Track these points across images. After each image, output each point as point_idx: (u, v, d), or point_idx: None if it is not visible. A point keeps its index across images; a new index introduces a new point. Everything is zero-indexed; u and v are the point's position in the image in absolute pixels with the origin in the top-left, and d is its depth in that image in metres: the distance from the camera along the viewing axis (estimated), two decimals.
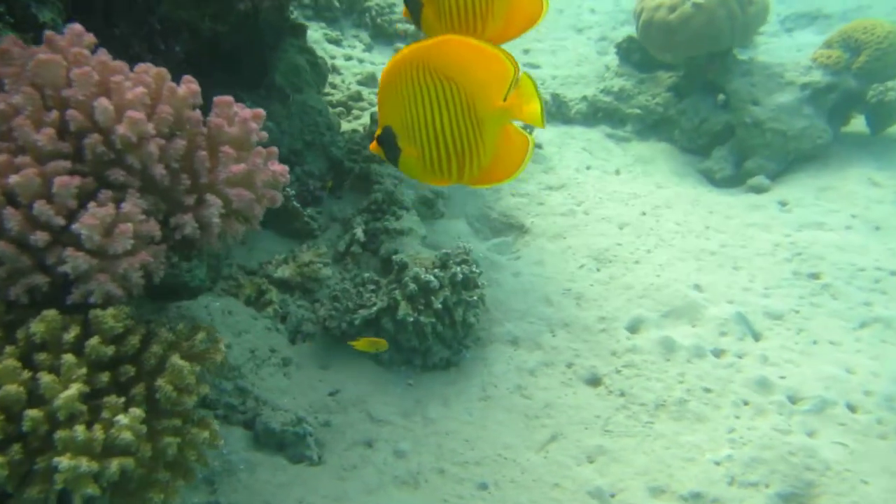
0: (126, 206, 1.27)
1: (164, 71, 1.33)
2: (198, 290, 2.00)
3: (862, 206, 3.13)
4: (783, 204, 3.20)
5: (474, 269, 2.20)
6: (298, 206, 2.55)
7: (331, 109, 3.58)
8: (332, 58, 4.30)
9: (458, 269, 2.15)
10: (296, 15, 4.12)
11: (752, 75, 3.62)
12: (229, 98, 1.43)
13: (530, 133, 1.41)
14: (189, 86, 1.34)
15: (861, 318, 2.44)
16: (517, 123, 1.32)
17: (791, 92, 3.54)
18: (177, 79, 1.40)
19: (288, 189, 2.52)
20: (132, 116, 1.23)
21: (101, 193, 1.27)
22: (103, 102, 1.22)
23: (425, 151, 1.32)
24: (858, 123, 3.71)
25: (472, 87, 1.26)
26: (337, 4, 4.37)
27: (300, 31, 3.06)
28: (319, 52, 4.27)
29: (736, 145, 3.61)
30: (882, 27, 3.50)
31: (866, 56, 3.49)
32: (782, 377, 2.13)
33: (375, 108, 3.69)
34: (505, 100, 1.27)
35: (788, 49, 5.11)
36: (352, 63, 4.28)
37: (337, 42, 4.48)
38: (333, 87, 3.90)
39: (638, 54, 4.21)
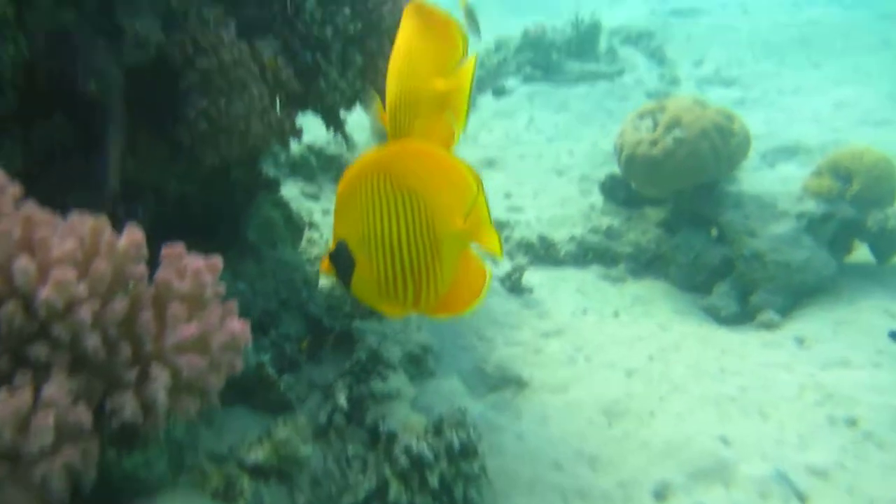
0: (48, 391, 1.06)
1: (101, 222, 1.17)
2: (156, 486, 1.75)
3: (885, 340, 2.97)
4: (800, 341, 3.03)
5: (472, 434, 1.95)
6: (273, 374, 2.33)
7: (308, 266, 3.46)
8: (310, 213, 4.26)
9: (455, 435, 1.91)
10: (273, 173, 4.12)
11: (744, 206, 3.59)
12: (179, 248, 1.27)
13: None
14: (131, 237, 1.18)
15: None
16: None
17: (787, 222, 3.49)
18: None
19: (262, 355, 2.31)
20: (59, 277, 1.05)
21: (18, 376, 1.07)
22: (23, 262, 1.04)
23: (381, 270, 1.21)
24: (863, 252, 3.64)
25: (432, 202, 1.18)
26: (314, 162, 4.40)
27: (274, 185, 2.99)
28: (296, 208, 4.24)
29: (737, 280, 3.49)
30: (870, 154, 3.52)
31: (859, 184, 3.49)
32: None
33: None
34: (465, 221, 1.19)
35: (773, 182, 5.15)
36: (330, 218, 4.23)
37: (314, 197, 4.46)
38: (311, 242, 3.81)
39: (623, 192, 4.21)
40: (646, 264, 3.96)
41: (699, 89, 6.83)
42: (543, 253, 4.02)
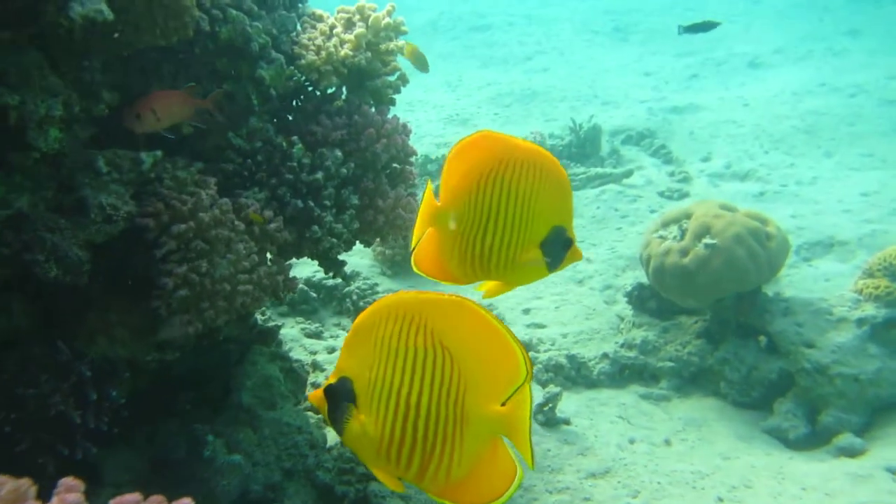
0: None
1: (24, 485, 0.92)
2: None
3: None
4: (892, 472, 2.70)
5: None
6: None
7: (313, 417, 3.19)
8: (314, 353, 4.03)
9: None
10: (268, 315, 3.94)
11: (795, 314, 3.34)
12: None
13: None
14: (63, 496, 0.93)
15: None
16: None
17: (847, 329, 3.22)
18: None
19: None
20: None
21: None
22: None
23: (385, 429, 1.06)
24: None
25: (469, 372, 1.04)
26: (314, 295, 4.22)
27: (270, 335, 2.79)
28: (298, 350, 4.02)
29: (801, 396, 3.19)
30: None
31: None
32: None
33: None
34: (503, 405, 1.05)
35: (815, 279, 4.91)
36: (335, 356, 4.00)
37: (317, 335, 4.25)
38: (316, 387, 3.57)
39: (653, 301, 3.98)
40: (690, 380, 3.67)
41: (713, 185, 6.73)
42: (575, 374, 3.74)
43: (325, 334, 4.33)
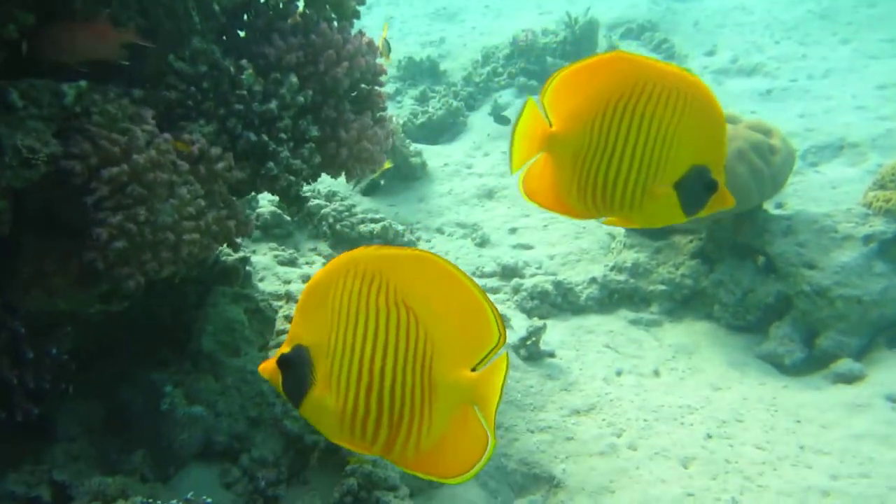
0: None
1: None
2: None
3: None
4: (893, 399, 2.68)
5: None
6: None
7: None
8: (287, 282, 3.95)
9: None
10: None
11: (797, 233, 3.25)
12: None
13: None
14: None
15: None
16: None
17: (853, 248, 3.15)
18: None
19: None
20: None
21: None
22: None
23: (349, 398, 1.00)
24: None
25: (437, 335, 0.98)
26: (288, 219, 4.10)
27: (234, 273, 2.69)
28: (271, 280, 3.94)
29: (799, 319, 3.15)
30: None
31: None
32: None
33: None
34: (474, 370, 0.98)
35: (822, 187, 4.82)
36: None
37: (292, 262, 4.16)
38: (289, 321, 3.50)
39: None
40: (683, 303, 3.62)
41: (717, 83, 6.51)
42: (561, 300, 3.69)
43: (300, 261, 4.24)
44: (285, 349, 1.04)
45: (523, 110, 1.20)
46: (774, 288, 3.26)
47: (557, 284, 3.70)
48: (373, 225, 4.71)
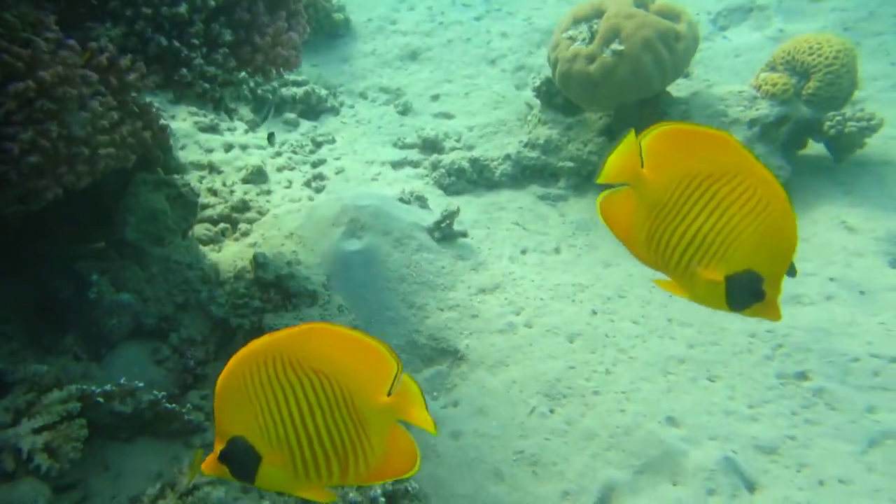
0: None
1: None
2: None
3: (840, 262, 2.96)
4: None
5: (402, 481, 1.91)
6: (173, 407, 2.21)
7: (212, 229, 3.25)
8: (209, 151, 3.96)
9: (381, 486, 1.86)
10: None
11: (692, 118, 3.43)
12: None
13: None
14: None
15: (867, 433, 2.24)
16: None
17: (738, 131, 3.37)
18: None
19: (155, 393, 2.19)
20: None
21: None
22: None
23: (296, 460, 1.15)
24: (817, 146, 3.57)
25: (348, 381, 1.13)
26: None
27: (153, 160, 2.72)
28: (192, 148, 3.93)
29: None
30: (829, 45, 3.36)
31: (816, 81, 3.35)
32: None
33: (265, 219, 3.38)
34: (389, 395, 1.14)
35: (727, 55, 4.99)
36: (233, 154, 3.94)
37: (213, 128, 4.14)
38: (213, 193, 3.56)
39: (560, 97, 3.98)
40: (588, 177, 3.83)
41: None
42: (477, 177, 3.85)
43: (222, 126, 4.22)
44: (221, 446, 1.15)
45: (625, 139, 1.26)
46: None
47: (473, 162, 3.84)
48: (295, 89, 4.66)
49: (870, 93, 4.15)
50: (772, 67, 3.55)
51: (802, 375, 2.48)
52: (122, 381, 2.16)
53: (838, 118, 3.30)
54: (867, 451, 2.19)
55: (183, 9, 2.05)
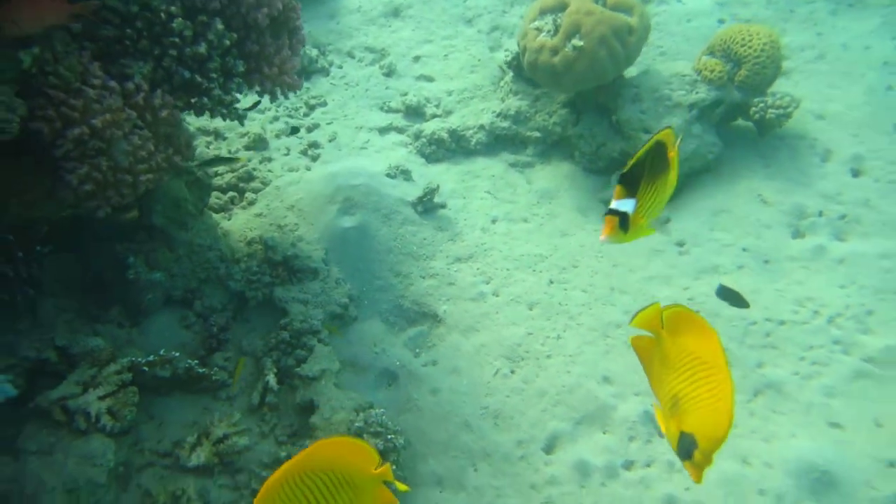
0: None
1: None
2: None
3: (753, 234, 3.30)
4: (681, 245, 3.33)
5: (391, 438, 2.28)
6: (202, 371, 2.55)
7: (222, 197, 3.49)
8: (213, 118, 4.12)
9: (374, 443, 2.23)
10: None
11: (642, 101, 3.67)
12: None
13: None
14: None
15: (754, 385, 2.65)
16: None
17: (680, 114, 3.62)
18: None
19: (189, 361, 2.52)
20: None
21: None
22: None
23: None
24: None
25: (345, 467, 1.54)
26: None
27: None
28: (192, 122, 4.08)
29: None
30: (758, 38, 3.57)
31: (746, 70, 3.58)
32: (686, 489, 2.33)
33: (268, 190, 3.62)
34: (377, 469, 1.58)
35: (679, 21, 5.13)
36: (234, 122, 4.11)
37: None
38: (218, 158, 3.76)
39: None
40: (553, 145, 4.09)
41: None
42: (455, 146, 4.09)
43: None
44: None
45: (652, 306, 1.56)
46: (619, 145, 3.75)
47: (452, 133, 4.06)
48: None
49: (797, 63, 4.35)
50: (711, 52, 3.76)
51: None
52: (161, 351, 2.49)
53: (761, 104, 3.57)
54: (752, 400, 2.61)
55: (203, 48, 2.24)
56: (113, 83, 2.08)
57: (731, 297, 2.76)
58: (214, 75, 2.28)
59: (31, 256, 2.34)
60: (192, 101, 2.32)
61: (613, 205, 1.55)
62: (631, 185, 1.56)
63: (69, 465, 2.14)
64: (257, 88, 2.50)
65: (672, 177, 1.65)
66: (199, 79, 2.26)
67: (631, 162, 1.57)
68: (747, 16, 4.92)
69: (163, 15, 2.18)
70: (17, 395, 2.18)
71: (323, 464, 1.50)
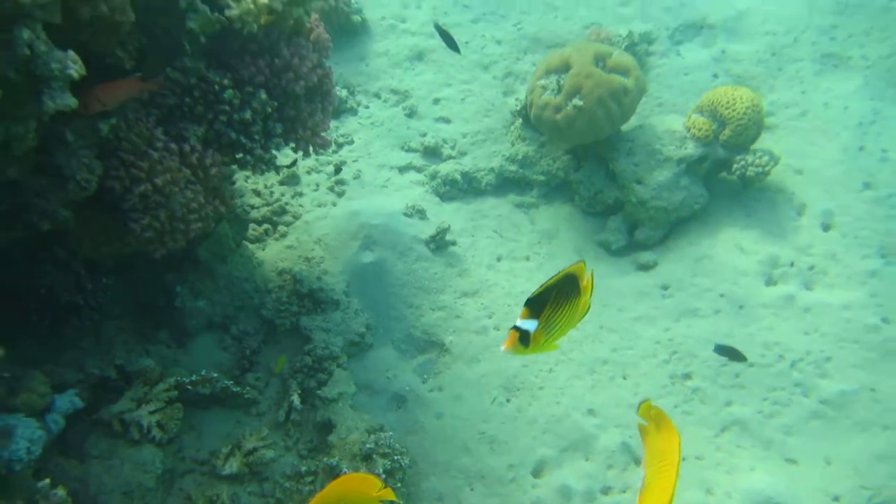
0: None
1: None
2: None
3: (730, 281, 3.51)
4: (665, 288, 3.55)
5: (397, 458, 2.52)
6: (237, 389, 2.80)
7: (257, 229, 3.76)
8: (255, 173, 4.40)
9: (382, 462, 2.47)
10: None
11: (635, 154, 3.90)
12: None
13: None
14: None
15: (722, 421, 2.86)
16: None
17: (669, 168, 3.84)
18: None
19: (226, 381, 2.77)
20: None
21: None
22: None
23: None
24: None
25: (355, 495, 1.89)
26: None
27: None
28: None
29: (626, 217, 3.93)
30: (741, 102, 3.79)
31: (730, 130, 3.81)
32: None
33: (298, 223, 3.88)
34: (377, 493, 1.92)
35: (677, 74, 5.34)
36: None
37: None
38: (257, 194, 4.04)
39: None
40: (556, 188, 4.33)
41: None
42: (467, 187, 4.34)
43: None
44: None
45: (646, 402, 1.99)
46: (614, 194, 3.98)
47: (464, 175, 4.31)
48: None
49: (781, 119, 4.54)
50: (700, 111, 3.98)
51: (687, 376, 3.08)
52: (203, 371, 2.75)
53: (742, 162, 3.80)
54: (719, 435, 2.82)
55: (248, 115, 2.50)
56: (173, 145, 2.35)
57: (728, 353, 2.96)
58: (257, 136, 2.55)
59: (97, 287, 2.61)
60: (238, 157, 2.58)
61: (518, 323, 1.70)
62: (535, 309, 1.70)
63: (125, 471, 2.40)
64: (293, 146, 2.76)
65: (583, 302, 1.85)
66: (243, 139, 2.52)
67: (539, 289, 1.74)
68: (739, 71, 5.13)
69: (216, 86, 2.44)
70: (84, 406, 2.45)
71: (337, 497, 1.80)
